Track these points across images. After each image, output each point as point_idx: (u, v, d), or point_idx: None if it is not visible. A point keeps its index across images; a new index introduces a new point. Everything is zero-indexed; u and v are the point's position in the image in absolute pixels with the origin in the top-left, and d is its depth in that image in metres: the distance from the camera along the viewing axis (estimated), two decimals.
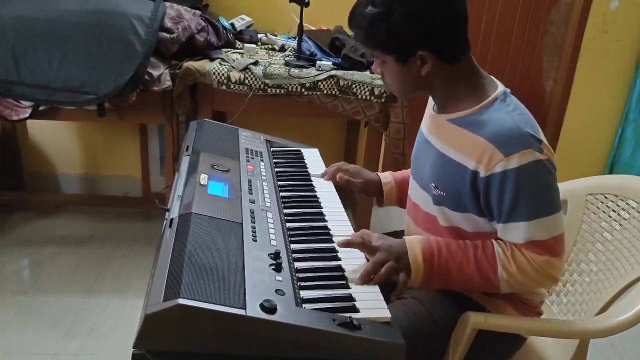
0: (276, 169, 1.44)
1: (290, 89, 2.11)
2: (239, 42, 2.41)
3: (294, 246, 1.09)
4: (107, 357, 1.85)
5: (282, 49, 2.39)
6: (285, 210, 1.23)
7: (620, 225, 1.33)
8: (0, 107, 2.06)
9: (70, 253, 2.40)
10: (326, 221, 1.22)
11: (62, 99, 1.95)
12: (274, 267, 0.97)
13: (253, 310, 0.83)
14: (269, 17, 2.63)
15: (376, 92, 2.12)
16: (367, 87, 2.12)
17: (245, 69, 2.09)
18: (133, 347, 0.81)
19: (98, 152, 2.86)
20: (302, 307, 0.91)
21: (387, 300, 0.99)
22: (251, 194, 1.22)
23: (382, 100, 2.15)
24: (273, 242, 1.06)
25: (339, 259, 1.08)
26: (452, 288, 1.16)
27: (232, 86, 2.10)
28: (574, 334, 1.20)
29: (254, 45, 2.31)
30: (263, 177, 1.34)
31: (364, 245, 1.10)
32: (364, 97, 2.14)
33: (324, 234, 1.17)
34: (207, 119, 1.61)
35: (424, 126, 1.27)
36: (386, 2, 1.05)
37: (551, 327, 1.21)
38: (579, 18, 2.83)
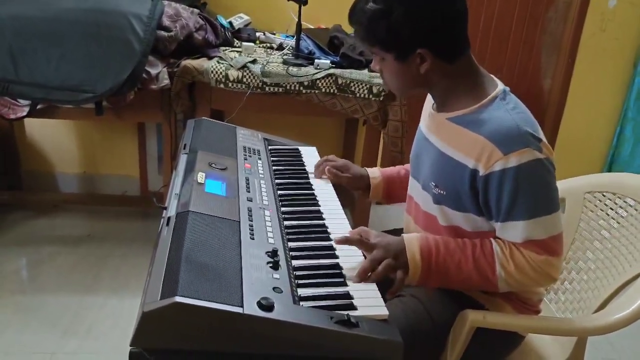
0: (274, 167, 1.44)
1: (288, 88, 2.11)
2: (237, 41, 2.40)
3: (291, 244, 1.09)
4: (106, 356, 1.85)
5: (280, 47, 2.39)
6: (283, 209, 1.23)
7: (618, 223, 1.33)
8: None
9: (68, 252, 2.39)
10: (324, 219, 1.22)
11: (60, 98, 1.95)
12: (271, 265, 0.97)
13: (250, 308, 0.83)
14: (267, 15, 2.62)
15: (374, 90, 2.12)
16: (366, 85, 2.12)
17: (244, 67, 2.09)
18: (130, 345, 0.81)
19: (96, 151, 2.86)
20: (299, 304, 0.91)
21: (385, 298, 0.99)
22: (249, 192, 1.22)
23: (381, 99, 2.15)
24: (270, 240, 1.06)
25: (336, 257, 1.08)
26: (450, 286, 1.16)
27: (230, 84, 2.10)
28: (572, 331, 1.20)
29: (252, 44, 2.31)
30: (261, 175, 1.34)
31: (361, 243, 1.10)
32: (362, 95, 2.14)
33: (322, 232, 1.16)
34: (205, 118, 1.61)
35: (423, 125, 1.27)
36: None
37: (549, 325, 1.21)
38: (577, 16, 2.84)
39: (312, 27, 2.51)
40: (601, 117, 3.06)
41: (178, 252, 0.92)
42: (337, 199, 1.34)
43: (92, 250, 2.43)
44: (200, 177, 1.20)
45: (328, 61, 2.17)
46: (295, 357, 0.86)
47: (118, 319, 2.01)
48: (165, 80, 2.05)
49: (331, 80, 2.12)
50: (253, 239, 1.04)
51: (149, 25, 1.97)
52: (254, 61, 2.13)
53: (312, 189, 1.37)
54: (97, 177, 2.91)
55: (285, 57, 2.22)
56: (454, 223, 1.16)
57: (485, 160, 1.04)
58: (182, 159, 1.32)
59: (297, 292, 0.94)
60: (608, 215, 1.35)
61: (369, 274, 1.04)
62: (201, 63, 2.11)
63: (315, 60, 2.17)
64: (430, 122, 1.22)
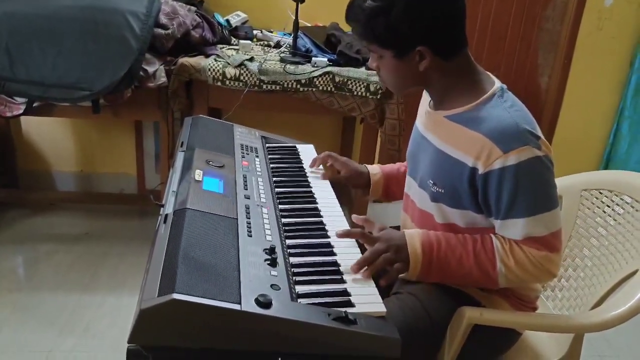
0: (271, 165, 1.44)
1: (285, 86, 2.11)
2: (234, 39, 2.40)
3: (289, 241, 1.09)
4: (103, 354, 1.84)
5: (278, 45, 2.39)
6: (281, 206, 1.23)
7: (615, 220, 1.33)
8: None
9: (65, 251, 2.39)
10: (321, 216, 1.22)
11: (57, 96, 1.94)
12: (269, 262, 0.97)
13: (248, 305, 0.83)
14: (264, 13, 2.62)
15: (372, 88, 2.12)
16: (363, 83, 2.12)
17: (241, 65, 2.09)
18: (128, 343, 0.81)
19: (93, 149, 2.85)
20: (297, 301, 0.91)
21: (382, 294, 0.99)
22: (246, 189, 1.22)
23: (378, 97, 2.15)
24: (268, 238, 1.06)
25: (334, 254, 1.08)
26: (451, 282, 1.16)
27: (227, 82, 2.10)
28: (568, 328, 1.21)
29: (249, 42, 2.30)
30: (258, 173, 1.34)
31: (363, 235, 1.10)
32: (359, 93, 2.14)
33: (319, 229, 1.16)
34: (202, 115, 1.61)
35: (420, 122, 1.27)
36: None
37: (546, 322, 1.21)
38: (574, 15, 2.84)
39: (309, 25, 2.50)
40: (598, 115, 3.07)
41: (175, 250, 0.91)
42: (335, 196, 1.34)
43: (89, 249, 2.42)
44: (198, 174, 1.20)
45: (325, 59, 2.17)
46: (293, 354, 0.85)
47: (115, 318, 2.01)
48: (162, 78, 2.04)
49: (328, 78, 2.12)
50: (251, 236, 1.04)
51: (146, 22, 1.96)
52: (251, 59, 2.13)
53: (310, 187, 1.37)
54: (94, 175, 2.90)
55: (282, 55, 2.22)
56: (451, 221, 1.17)
57: (484, 158, 1.04)
58: (180, 157, 1.32)
59: (294, 289, 0.94)
60: (605, 212, 1.36)
61: (367, 265, 1.04)
62: (198, 61, 2.10)
63: (313, 58, 2.16)
64: (427, 120, 1.22)
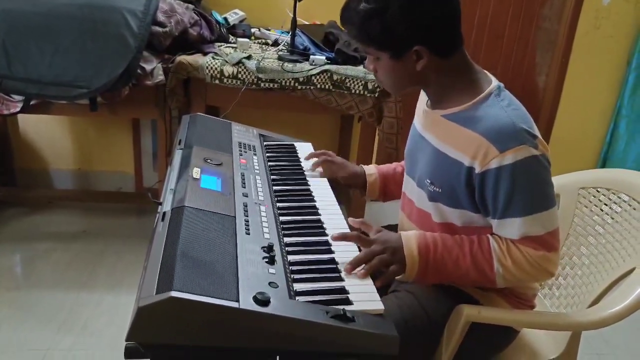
0: (269, 163, 1.43)
1: (283, 84, 2.11)
2: (232, 37, 2.40)
3: (287, 239, 1.09)
4: (101, 352, 1.84)
5: (276, 43, 2.39)
6: (279, 204, 1.23)
7: (612, 218, 1.33)
8: None
9: (63, 249, 2.39)
10: (319, 214, 1.22)
11: (54, 93, 1.94)
12: (267, 260, 0.97)
13: (246, 302, 0.83)
14: (262, 11, 2.62)
15: (370, 86, 2.12)
16: (361, 81, 2.12)
17: (239, 63, 2.09)
18: (126, 340, 0.80)
19: (90, 147, 2.85)
20: (295, 299, 0.91)
21: (380, 292, 0.99)
22: (244, 187, 1.22)
23: (376, 95, 2.15)
24: (266, 235, 1.06)
25: (332, 252, 1.08)
26: (448, 283, 1.16)
27: (225, 80, 2.09)
28: (566, 326, 1.21)
29: (247, 40, 2.30)
30: (256, 171, 1.33)
31: (359, 239, 1.10)
32: (357, 91, 2.14)
33: (317, 227, 1.16)
34: (200, 113, 1.60)
35: (417, 122, 1.27)
36: None
37: (544, 320, 1.21)
38: (572, 14, 2.84)
39: (307, 23, 2.50)
40: (595, 114, 3.07)
41: (173, 247, 0.91)
42: (333, 194, 1.34)
43: (87, 247, 2.42)
44: (196, 172, 1.19)
45: (323, 57, 2.17)
46: (291, 352, 0.86)
47: (113, 316, 2.01)
48: (160, 76, 2.04)
49: (326, 77, 2.12)
50: (249, 234, 1.04)
51: (143, 20, 1.96)
52: (249, 57, 2.12)
53: (308, 185, 1.37)
54: (92, 173, 2.90)
55: (280, 53, 2.22)
56: (449, 220, 1.17)
57: (481, 157, 1.04)
58: (177, 155, 1.32)
59: (292, 286, 0.94)
60: (602, 210, 1.36)
61: (363, 266, 1.04)
62: (196, 59, 2.10)
63: (311, 57, 2.16)
64: (425, 120, 1.22)
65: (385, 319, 0.92)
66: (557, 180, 1.40)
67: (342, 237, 1.10)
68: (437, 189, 1.15)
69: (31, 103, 2.06)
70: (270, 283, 0.91)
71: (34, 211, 2.67)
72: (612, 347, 2.12)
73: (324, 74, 2.11)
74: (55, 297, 2.08)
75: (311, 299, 0.92)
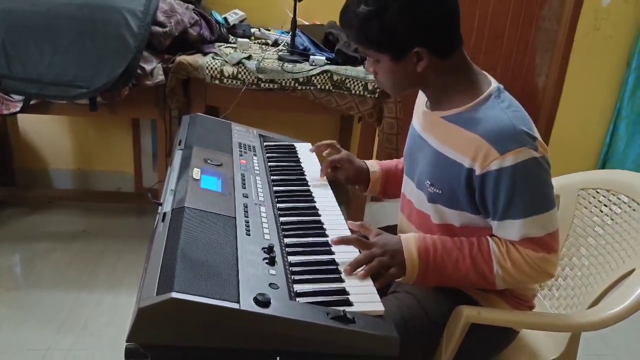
0: (269, 164, 1.43)
1: (283, 84, 2.11)
2: (232, 37, 2.40)
3: (287, 240, 1.09)
4: (101, 352, 1.84)
5: (276, 43, 2.38)
6: (279, 205, 1.23)
7: (612, 219, 1.34)
8: None
9: (63, 249, 2.38)
10: (319, 215, 1.22)
11: (54, 93, 1.94)
12: (267, 261, 0.97)
13: (247, 304, 0.83)
14: (262, 11, 2.62)
15: (370, 87, 2.12)
16: (361, 82, 2.12)
17: (239, 63, 2.09)
18: (126, 341, 0.80)
19: (90, 147, 2.85)
20: (295, 300, 0.91)
21: (380, 293, 0.99)
22: (244, 188, 1.22)
23: (376, 96, 2.15)
24: (267, 236, 1.06)
25: (332, 253, 1.08)
26: (447, 285, 1.16)
27: (225, 81, 2.09)
28: (565, 327, 1.21)
29: (247, 40, 2.30)
30: (256, 172, 1.33)
31: (358, 242, 1.10)
32: (357, 92, 2.14)
33: (318, 228, 1.16)
34: (200, 114, 1.60)
35: (417, 123, 1.27)
36: None
37: (543, 321, 1.21)
38: (571, 14, 2.84)
39: (307, 23, 2.50)
40: (595, 115, 3.07)
41: (174, 248, 0.91)
42: (333, 195, 1.34)
43: (87, 247, 2.42)
44: (196, 173, 1.19)
45: (323, 58, 2.17)
46: (291, 353, 0.86)
47: (113, 316, 2.01)
48: (160, 76, 2.04)
49: (326, 77, 2.12)
50: (249, 235, 1.04)
51: (143, 20, 1.96)
52: (249, 57, 2.12)
53: (308, 185, 1.37)
54: (92, 173, 2.89)
55: (280, 53, 2.22)
56: (448, 221, 1.17)
57: (481, 159, 1.04)
58: (178, 155, 1.32)
59: (293, 288, 0.94)
60: (602, 212, 1.36)
61: (363, 267, 1.04)
62: (196, 59, 2.10)
63: (311, 57, 2.16)
64: (424, 121, 1.22)
65: (386, 320, 0.92)
66: (557, 181, 1.40)
67: (342, 241, 1.09)
68: (437, 191, 1.15)
69: (31, 103, 2.06)
70: (270, 284, 0.91)
71: (33, 211, 2.67)
72: (612, 348, 2.12)
73: (324, 74, 2.11)
74: (55, 297, 2.08)
75: (311, 300, 0.92)
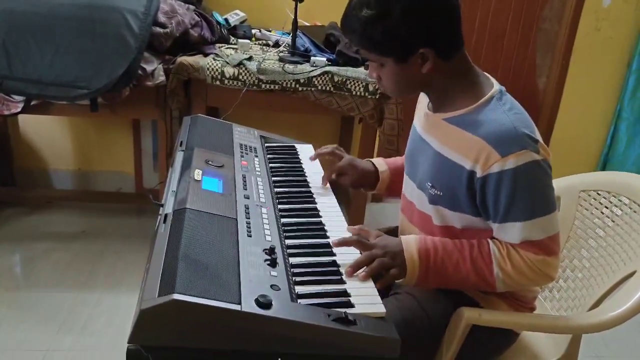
0: (270, 165, 1.43)
1: (284, 85, 2.11)
2: (233, 38, 2.40)
3: (288, 242, 1.09)
4: (101, 352, 1.84)
5: (277, 44, 2.38)
6: (280, 206, 1.23)
7: (613, 221, 1.33)
8: None
9: (63, 249, 2.38)
10: (321, 217, 1.22)
11: (55, 94, 1.94)
12: (269, 262, 0.97)
13: (248, 305, 0.83)
14: (263, 12, 2.62)
15: (370, 88, 2.12)
16: (362, 83, 2.12)
17: (240, 64, 2.09)
18: (128, 343, 0.80)
19: (91, 148, 2.85)
20: (297, 302, 0.91)
21: (381, 294, 0.99)
22: (245, 189, 1.22)
23: (377, 97, 2.15)
24: (268, 238, 1.06)
25: (333, 255, 1.08)
26: (448, 287, 1.16)
27: (226, 82, 2.09)
28: (566, 329, 1.21)
29: (248, 41, 2.30)
30: (257, 173, 1.33)
31: (359, 243, 1.10)
32: (358, 93, 2.14)
33: (319, 230, 1.16)
34: (201, 115, 1.60)
35: (418, 124, 1.27)
36: (383, 2, 1.03)
37: (544, 323, 1.21)
38: (572, 15, 2.85)
39: (308, 24, 2.50)
40: (595, 116, 3.07)
41: (175, 250, 0.91)
42: (334, 196, 1.34)
43: (86, 247, 2.42)
44: (197, 174, 1.19)
45: (324, 59, 2.17)
46: (293, 355, 0.86)
47: (113, 316, 2.01)
48: (160, 77, 2.04)
49: (327, 78, 2.12)
50: (250, 236, 1.04)
51: (144, 21, 1.96)
52: (250, 58, 2.12)
53: (309, 187, 1.37)
54: (92, 173, 2.89)
55: (281, 54, 2.22)
56: (449, 223, 1.17)
57: (482, 162, 1.04)
58: (179, 156, 1.32)
59: (294, 289, 0.94)
60: (603, 213, 1.36)
61: (363, 268, 1.04)
62: (197, 60, 2.10)
63: (312, 58, 2.16)
64: (426, 122, 1.22)
65: (387, 322, 0.92)
66: (558, 183, 1.40)
67: (342, 243, 1.09)
68: (438, 192, 1.15)
69: (31, 103, 2.06)
70: (272, 286, 0.91)
71: (33, 211, 2.67)
72: (613, 349, 2.12)
73: (325, 75, 2.11)
74: (55, 297, 2.08)
75: (313, 302, 0.91)
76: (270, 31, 2.52)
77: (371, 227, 1.18)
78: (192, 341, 0.82)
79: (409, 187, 1.28)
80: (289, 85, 2.11)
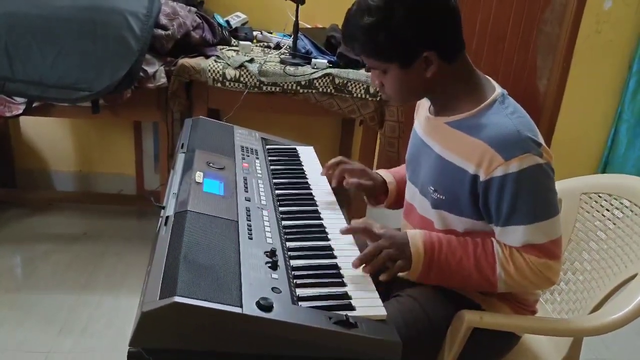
0: (271, 167, 1.43)
1: (285, 87, 2.11)
2: (234, 40, 2.40)
3: (289, 244, 1.09)
4: (101, 354, 1.84)
5: (278, 46, 2.39)
6: (281, 208, 1.23)
7: (614, 224, 1.33)
8: None
9: (63, 250, 2.39)
10: (322, 219, 1.22)
11: (56, 96, 1.94)
12: (270, 265, 0.97)
13: (249, 308, 0.83)
14: (264, 14, 2.62)
15: (371, 90, 2.12)
16: (363, 85, 2.12)
17: (241, 66, 2.09)
18: (129, 345, 0.80)
19: (92, 149, 2.85)
20: (298, 305, 0.91)
21: (382, 296, 0.99)
22: (247, 191, 1.22)
23: (378, 99, 2.15)
24: (269, 240, 1.06)
25: (334, 257, 1.08)
26: (450, 284, 1.16)
27: (227, 84, 2.10)
28: (567, 332, 1.21)
29: (249, 43, 2.30)
30: (258, 175, 1.33)
31: (366, 232, 1.10)
32: (359, 95, 2.14)
33: (320, 232, 1.16)
34: (202, 117, 1.61)
35: (419, 128, 1.26)
36: (384, 7, 1.02)
37: (545, 326, 1.21)
38: (573, 18, 2.85)
39: (309, 26, 2.51)
40: (596, 118, 3.07)
41: (176, 252, 0.91)
42: (335, 199, 1.34)
43: (87, 249, 2.42)
44: (199, 176, 1.19)
45: (325, 61, 2.17)
46: (293, 357, 0.85)
47: (114, 318, 2.01)
48: (162, 79, 2.04)
49: (328, 80, 2.12)
50: (251, 238, 1.04)
51: (146, 23, 1.96)
52: (251, 60, 2.13)
53: (310, 189, 1.37)
54: (93, 175, 2.90)
55: (282, 56, 2.22)
56: (451, 227, 1.17)
57: (486, 165, 1.04)
58: (180, 158, 1.32)
59: (295, 292, 0.94)
60: (604, 216, 1.36)
61: (369, 261, 1.04)
62: (198, 62, 2.10)
63: (313, 60, 2.16)
64: (428, 126, 1.22)
65: (388, 325, 0.92)
66: (559, 186, 1.39)
67: (350, 230, 1.10)
68: (441, 196, 1.14)
69: (33, 105, 2.06)
70: (273, 288, 0.91)
71: (34, 213, 2.67)
72: (614, 352, 2.12)
73: (326, 77, 2.12)
74: (55, 298, 2.08)
75: (314, 305, 0.91)
76: (271, 33, 2.52)
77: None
78: (193, 344, 0.82)
79: (411, 191, 1.28)
80: (290, 87, 2.11)
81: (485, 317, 1.14)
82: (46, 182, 2.88)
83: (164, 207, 1.12)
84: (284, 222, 1.17)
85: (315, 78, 2.10)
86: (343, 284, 1.00)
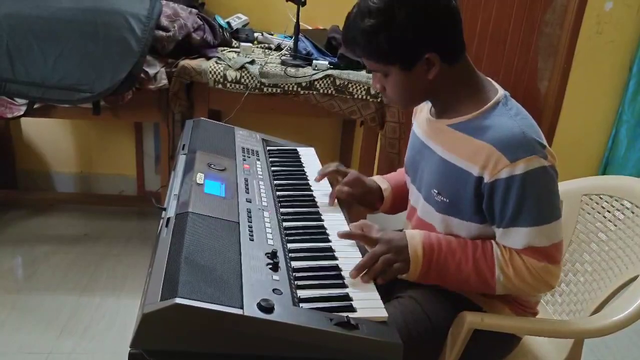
0: (272, 168, 1.44)
1: (286, 88, 2.11)
2: (235, 41, 2.40)
3: (290, 245, 1.09)
4: (102, 356, 1.84)
5: (279, 48, 2.39)
6: (282, 210, 1.23)
7: (615, 225, 1.33)
8: None
9: (64, 252, 2.39)
10: (322, 220, 1.22)
11: (57, 97, 1.94)
12: (271, 266, 0.97)
13: (250, 309, 0.83)
14: (265, 16, 2.62)
15: (372, 91, 2.13)
16: (364, 86, 2.12)
17: (242, 67, 2.09)
18: (130, 347, 0.80)
19: (93, 151, 2.85)
20: (299, 306, 0.91)
21: (383, 298, 0.99)
22: (248, 193, 1.22)
23: (378, 100, 2.15)
24: (270, 242, 1.06)
25: (335, 259, 1.08)
26: (448, 285, 1.16)
27: (228, 85, 2.10)
28: (568, 333, 1.21)
29: (250, 44, 2.30)
30: (259, 176, 1.33)
31: (363, 237, 1.10)
32: (360, 96, 2.14)
33: (321, 233, 1.16)
34: (203, 118, 1.61)
35: (420, 131, 1.26)
36: (385, 9, 1.02)
37: (546, 327, 1.21)
38: (574, 19, 2.85)
39: (310, 27, 2.51)
40: (597, 119, 3.07)
41: (178, 254, 0.91)
42: (336, 199, 1.34)
43: (88, 250, 2.42)
44: (200, 177, 1.19)
45: (326, 62, 2.18)
46: (294, 359, 0.85)
47: (114, 319, 2.01)
48: (163, 80, 2.04)
49: (329, 81, 2.12)
50: (252, 240, 1.04)
51: (147, 24, 1.96)
52: (252, 62, 2.13)
53: (311, 190, 1.37)
54: (94, 176, 2.90)
55: (283, 57, 2.22)
56: (453, 231, 1.16)
57: (491, 167, 1.04)
58: (181, 160, 1.32)
59: (296, 293, 0.94)
60: (605, 217, 1.36)
61: (367, 269, 1.04)
62: (199, 63, 2.10)
63: (313, 61, 2.17)
64: (429, 129, 1.21)
65: (389, 326, 0.92)
66: (560, 187, 1.38)
67: (347, 235, 1.10)
68: (444, 199, 1.14)
69: (34, 106, 2.06)
70: (274, 290, 0.91)
71: (35, 214, 2.67)
72: (615, 354, 2.11)
73: (327, 78, 2.12)
74: (56, 300, 2.08)
75: (315, 306, 0.91)
76: (272, 34, 2.52)
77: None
78: (194, 345, 0.82)
79: (414, 195, 1.28)
80: (290, 89, 2.11)
81: (486, 318, 1.14)
82: (47, 183, 2.88)
83: (165, 209, 1.12)
84: (285, 224, 1.17)
85: (316, 79, 2.11)
86: (344, 285, 1.00)
